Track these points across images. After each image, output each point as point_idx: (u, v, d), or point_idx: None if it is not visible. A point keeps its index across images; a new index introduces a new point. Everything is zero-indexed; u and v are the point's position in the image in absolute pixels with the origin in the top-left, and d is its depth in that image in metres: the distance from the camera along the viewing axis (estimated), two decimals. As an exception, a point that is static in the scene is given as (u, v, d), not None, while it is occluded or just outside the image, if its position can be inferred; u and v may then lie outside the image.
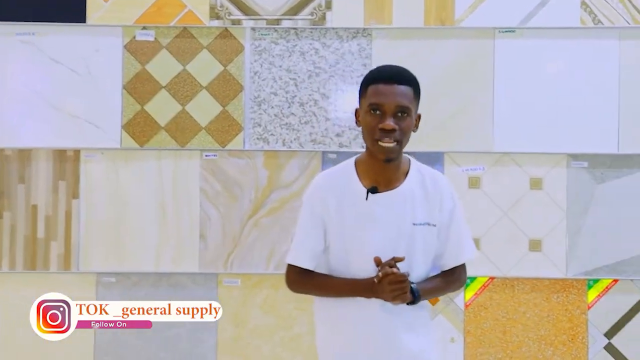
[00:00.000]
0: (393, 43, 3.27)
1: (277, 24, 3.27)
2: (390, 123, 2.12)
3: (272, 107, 3.28)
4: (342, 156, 3.20)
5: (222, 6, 3.27)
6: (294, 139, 3.28)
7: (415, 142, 3.20)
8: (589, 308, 3.26)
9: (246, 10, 3.26)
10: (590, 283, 3.27)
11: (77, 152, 3.30)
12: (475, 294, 3.27)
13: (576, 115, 3.25)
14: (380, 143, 2.15)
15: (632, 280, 3.25)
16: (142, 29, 3.27)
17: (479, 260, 3.26)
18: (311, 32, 3.28)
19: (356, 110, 2.27)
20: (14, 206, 3.29)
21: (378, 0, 3.28)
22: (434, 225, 2.26)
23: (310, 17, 3.28)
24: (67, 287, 3.23)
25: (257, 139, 3.28)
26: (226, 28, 3.27)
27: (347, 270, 2.20)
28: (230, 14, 3.26)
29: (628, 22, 3.22)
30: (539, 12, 3.30)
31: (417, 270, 2.25)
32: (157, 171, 3.19)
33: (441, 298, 3.24)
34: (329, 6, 3.24)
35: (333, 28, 3.28)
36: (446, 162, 3.30)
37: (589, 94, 3.25)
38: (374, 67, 3.33)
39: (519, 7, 3.28)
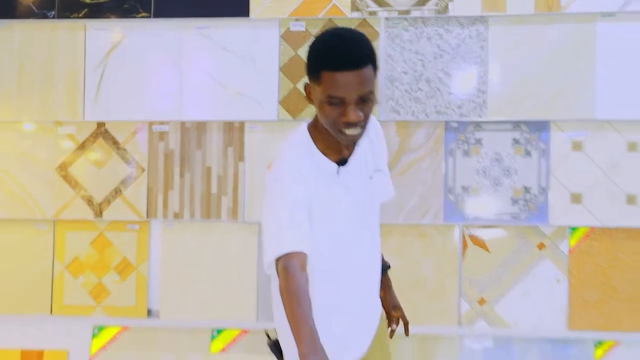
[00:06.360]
0: (506, 28, 3.39)
1: (407, 14, 3.42)
2: (354, 115, 1.76)
3: (403, 84, 3.45)
4: (462, 125, 3.41)
5: (361, 0, 3.45)
6: (421, 111, 3.45)
7: (524, 112, 3.34)
8: (681, 253, 3.30)
9: (381, 3, 3.44)
10: (683, 231, 3.29)
11: (242, 124, 3.52)
12: (578, 242, 3.37)
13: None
14: (345, 132, 1.80)
15: None
16: (295, 20, 3.47)
17: (581, 213, 3.37)
18: (436, 20, 3.43)
19: (306, 86, 1.87)
20: (193, 168, 3.54)
21: (494, -9, 3.34)
22: (381, 170, 2.07)
23: (435, 7, 3.42)
24: (234, 235, 3.53)
25: (390, 111, 3.46)
26: (364, 18, 3.45)
27: (319, 240, 1.85)
28: (367, 6, 3.45)
29: None
30: (639, -4, 3.28)
31: (377, 216, 2.08)
32: (307, 139, 3.46)
33: (547, 245, 3.39)
34: (451, -2, 3.37)
35: (455, 16, 3.41)
36: (552, 129, 3.40)
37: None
38: (490, 49, 3.34)
39: (620, -8, 3.29)
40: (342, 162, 1.92)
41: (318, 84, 1.78)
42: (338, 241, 1.92)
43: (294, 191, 1.82)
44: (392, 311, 2.29)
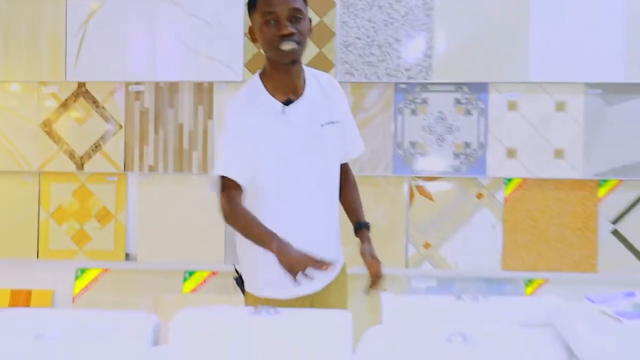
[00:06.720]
0: (450, -1, 3.56)
1: (361, -16, 3.56)
2: (286, 28, 1.92)
3: (357, 49, 3.60)
4: (410, 86, 3.57)
5: (319, -29, 3.55)
6: (373, 73, 3.59)
7: (465, 75, 3.50)
8: (599, 202, 3.56)
9: (337, -26, 3.56)
10: (601, 182, 3.55)
11: (210, 84, 3.65)
12: (513, 191, 3.56)
13: (591, 50, 3.46)
14: (281, 47, 1.94)
15: (633, 180, 3.50)
16: (259, -11, 3.70)
17: (515, 165, 3.56)
18: (387, -11, 3.57)
19: (250, 30, 2.04)
20: (166, 125, 3.68)
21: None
22: (337, 122, 2.15)
23: (385, -22, 3.57)
24: (204, 186, 3.54)
25: (345, 73, 3.61)
26: (323, -12, 3.57)
27: (264, 176, 1.99)
28: (325, -23, 3.56)
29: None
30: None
31: (331, 167, 2.15)
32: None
33: (485, 194, 3.60)
34: (400, -30, 3.49)
35: (404, -13, 3.56)
36: (490, 90, 3.55)
37: (598, 31, 3.47)
38: (436, 17, 3.54)
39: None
40: (287, 102, 2.06)
41: (256, 12, 1.99)
42: (280, 178, 2.03)
43: (236, 126, 2.00)
44: (368, 259, 2.20)
